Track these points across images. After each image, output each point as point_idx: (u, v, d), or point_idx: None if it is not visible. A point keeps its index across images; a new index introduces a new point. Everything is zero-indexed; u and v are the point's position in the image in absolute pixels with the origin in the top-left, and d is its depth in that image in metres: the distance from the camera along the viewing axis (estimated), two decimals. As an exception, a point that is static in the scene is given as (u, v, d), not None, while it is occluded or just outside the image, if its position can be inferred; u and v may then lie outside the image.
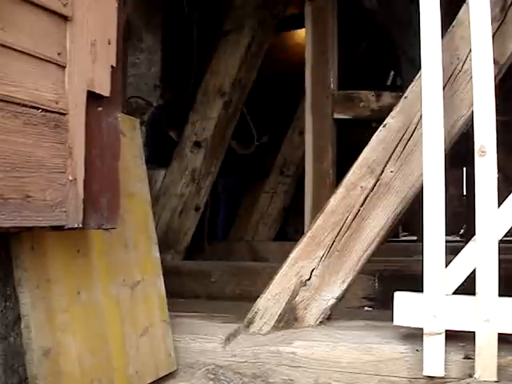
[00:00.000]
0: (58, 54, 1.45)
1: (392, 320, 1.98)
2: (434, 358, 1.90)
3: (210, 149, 4.40)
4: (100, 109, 1.61)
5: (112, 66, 1.62)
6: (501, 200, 1.89)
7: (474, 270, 1.89)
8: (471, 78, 1.93)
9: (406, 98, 2.20)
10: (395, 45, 5.34)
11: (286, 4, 4.88)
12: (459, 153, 3.20)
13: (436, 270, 1.90)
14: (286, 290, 2.27)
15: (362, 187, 2.21)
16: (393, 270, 3.56)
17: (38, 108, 1.39)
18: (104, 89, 1.59)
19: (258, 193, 5.63)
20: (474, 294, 1.88)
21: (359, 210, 2.21)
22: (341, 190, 2.25)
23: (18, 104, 1.34)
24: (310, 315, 2.27)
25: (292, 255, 2.29)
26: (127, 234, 1.99)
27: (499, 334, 1.85)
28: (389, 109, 2.27)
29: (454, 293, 1.93)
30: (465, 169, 8.11)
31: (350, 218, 2.22)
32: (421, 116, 1.99)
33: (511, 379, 1.86)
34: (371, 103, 4.15)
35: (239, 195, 6.00)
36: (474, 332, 1.87)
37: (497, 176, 1.89)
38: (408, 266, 3.40)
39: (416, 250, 2.76)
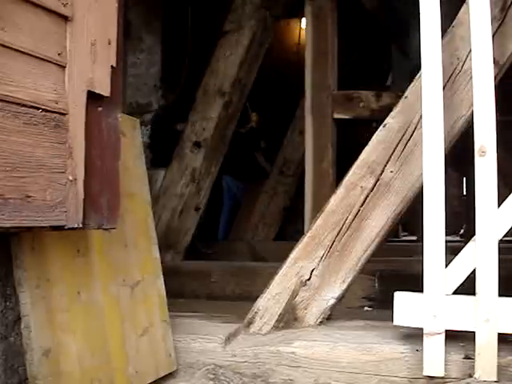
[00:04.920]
0: (58, 54, 1.45)
1: (392, 320, 1.98)
2: (434, 357, 1.90)
3: (210, 149, 4.40)
4: (100, 109, 1.61)
5: (112, 66, 1.62)
6: (501, 200, 1.89)
7: (474, 270, 1.89)
8: (471, 78, 1.93)
9: (406, 97, 2.20)
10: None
11: (286, 4, 4.88)
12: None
13: (436, 270, 1.90)
14: (286, 290, 2.27)
15: (362, 187, 2.21)
16: (393, 269, 3.57)
17: (38, 108, 1.39)
18: (104, 89, 1.59)
19: (258, 193, 5.63)
20: (474, 293, 1.88)
21: (359, 210, 2.21)
22: (341, 189, 2.25)
23: (18, 104, 1.34)
24: (310, 315, 2.27)
25: (292, 255, 2.29)
26: (127, 234, 1.99)
27: (499, 333, 1.85)
28: (389, 109, 2.27)
29: (454, 293, 1.93)
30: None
31: (350, 218, 2.22)
32: (421, 116, 1.99)
33: (511, 379, 1.86)
34: (371, 103, 4.15)
35: (242, 195, 6.01)
36: (474, 332, 1.87)
37: (497, 176, 1.89)
38: (408, 266, 3.40)
39: (416, 250, 2.76)
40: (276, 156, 5.69)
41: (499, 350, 1.85)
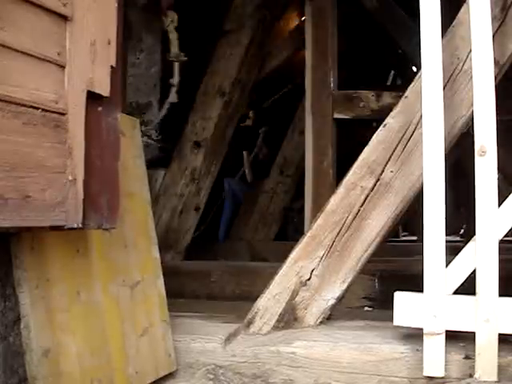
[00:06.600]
0: (58, 53, 1.45)
1: (392, 320, 1.98)
2: (434, 358, 1.90)
3: (210, 149, 4.40)
4: (100, 109, 1.61)
5: (112, 66, 1.62)
6: (501, 200, 1.89)
7: (474, 270, 1.89)
8: (471, 77, 1.93)
9: (406, 97, 2.20)
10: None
11: (286, 4, 4.88)
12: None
13: (436, 270, 1.90)
14: (286, 289, 2.27)
15: (362, 187, 2.21)
16: (393, 269, 3.57)
17: (37, 108, 1.39)
18: (104, 89, 1.59)
19: (258, 193, 5.62)
20: (474, 293, 1.88)
21: (359, 210, 2.21)
22: (341, 189, 2.25)
23: (18, 104, 1.34)
24: (310, 315, 2.27)
25: (292, 255, 2.29)
26: (127, 234, 1.99)
27: (499, 334, 1.85)
28: (389, 109, 2.27)
29: (455, 293, 1.93)
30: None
31: (350, 217, 2.22)
32: (421, 116, 1.99)
33: (511, 379, 1.86)
34: (371, 103, 4.15)
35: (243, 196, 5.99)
36: (474, 332, 1.87)
37: (497, 176, 1.88)
38: (408, 266, 3.40)
39: (416, 249, 2.76)
40: (275, 156, 5.68)
41: (499, 349, 1.85)
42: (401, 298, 1.97)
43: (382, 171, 2.19)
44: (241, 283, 3.64)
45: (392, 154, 2.18)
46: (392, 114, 2.21)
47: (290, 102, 5.32)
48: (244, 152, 5.78)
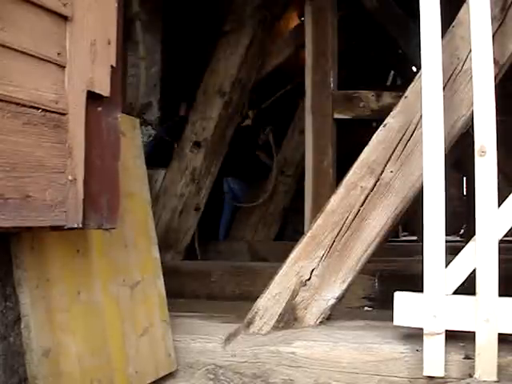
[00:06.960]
0: (58, 54, 1.45)
1: (392, 320, 1.98)
2: (434, 358, 1.90)
3: (210, 149, 4.40)
4: (100, 109, 1.61)
5: (112, 66, 1.62)
6: (501, 200, 1.89)
7: (474, 270, 1.89)
8: (471, 78, 1.93)
9: (406, 97, 2.20)
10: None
11: (286, 4, 4.89)
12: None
13: (436, 270, 1.90)
14: (286, 289, 2.27)
15: (362, 187, 2.21)
16: (393, 270, 3.57)
17: (37, 108, 1.39)
18: (104, 89, 1.59)
19: (258, 193, 5.63)
20: (474, 294, 1.88)
21: (359, 210, 2.21)
22: (341, 189, 2.25)
23: (18, 104, 1.34)
24: (310, 315, 2.27)
25: (292, 255, 2.29)
26: (127, 234, 1.99)
27: (499, 333, 1.85)
28: (389, 109, 2.27)
29: (454, 293, 1.93)
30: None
31: (350, 217, 2.22)
32: (421, 116, 1.99)
33: (511, 379, 1.86)
34: (371, 103, 4.16)
35: (244, 196, 5.99)
36: (474, 332, 1.87)
37: (497, 176, 1.88)
38: (408, 266, 3.41)
39: (416, 249, 2.76)
40: (276, 154, 5.68)
41: (499, 349, 1.85)
42: (401, 298, 1.97)
43: (382, 171, 2.19)
44: (241, 283, 3.64)
45: (392, 154, 2.19)
46: (392, 114, 2.21)
47: (290, 101, 5.32)
48: (258, 153, 5.76)
